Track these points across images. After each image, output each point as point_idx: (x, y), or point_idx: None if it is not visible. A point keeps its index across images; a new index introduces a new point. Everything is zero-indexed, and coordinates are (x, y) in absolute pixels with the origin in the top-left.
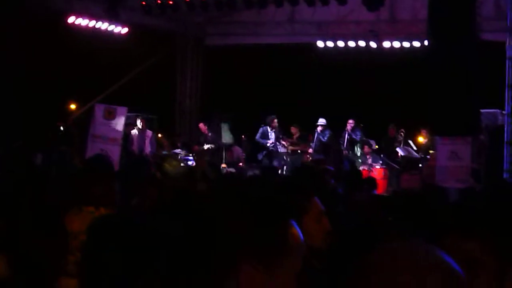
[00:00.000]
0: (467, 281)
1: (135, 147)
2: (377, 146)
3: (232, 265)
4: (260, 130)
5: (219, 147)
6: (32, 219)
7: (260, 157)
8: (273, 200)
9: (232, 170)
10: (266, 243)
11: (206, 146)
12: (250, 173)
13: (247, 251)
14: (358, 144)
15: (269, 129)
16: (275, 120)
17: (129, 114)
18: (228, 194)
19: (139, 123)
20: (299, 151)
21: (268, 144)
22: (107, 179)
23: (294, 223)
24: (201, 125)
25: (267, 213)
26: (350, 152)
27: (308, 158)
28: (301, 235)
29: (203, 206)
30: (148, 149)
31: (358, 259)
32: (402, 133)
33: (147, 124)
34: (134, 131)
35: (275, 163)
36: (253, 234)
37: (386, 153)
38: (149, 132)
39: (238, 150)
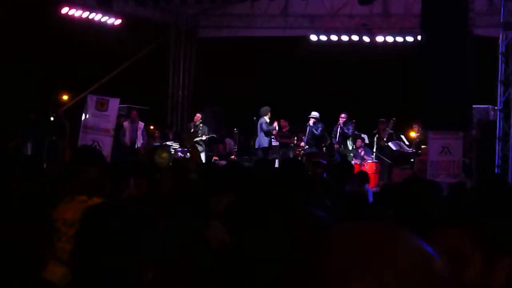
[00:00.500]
0: (449, 274)
1: (127, 139)
2: (367, 141)
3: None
4: (261, 121)
5: (213, 139)
6: (17, 209)
7: (264, 143)
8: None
9: (223, 162)
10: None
11: (204, 137)
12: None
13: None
14: (350, 138)
15: (266, 119)
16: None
17: (121, 105)
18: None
19: (132, 115)
20: (292, 144)
21: (274, 131)
22: (97, 168)
23: None
24: (198, 115)
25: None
26: (342, 146)
27: (299, 151)
28: None
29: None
30: (140, 140)
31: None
32: (392, 121)
33: (139, 116)
34: (127, 123)
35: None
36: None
37: (377, 147)
38: (141, 124)
39: (230, 142)
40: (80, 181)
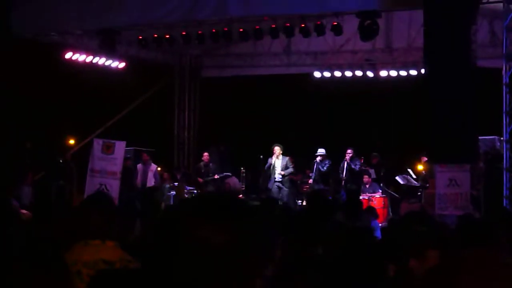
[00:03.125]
0: None
1: (138, 181)
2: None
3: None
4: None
5: (221, 178)
6: (31, 253)
7: (270, 185)
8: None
9: None
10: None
11: (217, 176)
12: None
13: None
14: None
15: (273, 158)
16: (274, 148)
17: (127, 148)
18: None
19: (143, 157)
20: (298, 181)
21: (276, 175)
22: (107, 213)
23: None
24: (206, 154)
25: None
26: (349, 182)
27: (307, 188)
28: None
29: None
30: (151, 182)
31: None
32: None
33: (151, 158)
34: (140, 165)
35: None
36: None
37: (384, 182)
38: (153, 166)
39: (234, 181)
40: (91, 226)
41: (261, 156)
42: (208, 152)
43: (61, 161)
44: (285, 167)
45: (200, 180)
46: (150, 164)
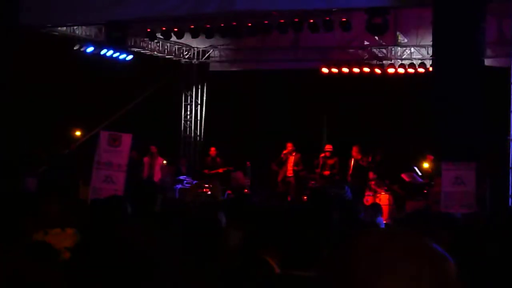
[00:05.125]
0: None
1: (144, 173)
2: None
3: None
4: None
5: (229, 172)
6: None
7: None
8: None
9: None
10: None
11: (221, 170)
12: (255, 199)
13: None
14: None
15: (286, 154)
16: (288, 144)
17: (134, 140)
18: None
19: (151, 150)
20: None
21: (287, 171)
22: (64, 201)
23: None
24: (213, 149)
25: None
26: (355, 178)
27: (312, 183)
28: None
29: None
30: (158, 176)
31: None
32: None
33: (158, 151)
34: (147, 158)
35: None
36: None
37: (390, 179)
38: (160, 159)
39: (240, 175)
40: (50, 215)
41: (267, 151)
42: (215, 146)
43: (67, 152)
44: (296, 164)
45: (206, 172)
46: (157, 157)
